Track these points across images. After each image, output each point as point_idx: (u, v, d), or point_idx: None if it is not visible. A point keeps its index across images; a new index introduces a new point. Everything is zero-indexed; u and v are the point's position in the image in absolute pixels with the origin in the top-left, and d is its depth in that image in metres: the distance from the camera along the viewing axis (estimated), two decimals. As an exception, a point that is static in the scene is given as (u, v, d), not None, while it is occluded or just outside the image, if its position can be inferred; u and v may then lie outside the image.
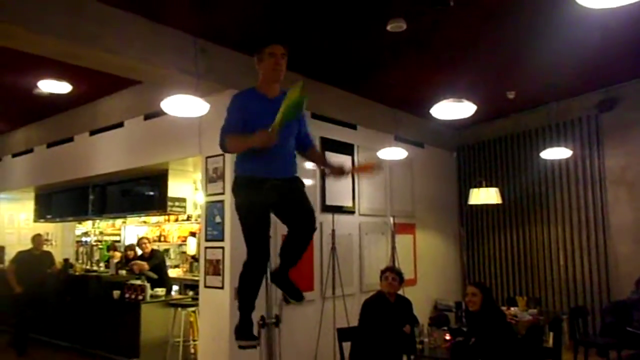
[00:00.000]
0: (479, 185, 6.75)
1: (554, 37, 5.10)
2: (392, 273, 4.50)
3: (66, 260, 8.46)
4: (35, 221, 9.87)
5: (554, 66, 5.94)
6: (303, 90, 2.35)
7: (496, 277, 8.36)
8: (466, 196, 7.35)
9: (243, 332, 2.61)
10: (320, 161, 3.21)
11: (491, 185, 6.97)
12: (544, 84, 6.56)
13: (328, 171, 2.93)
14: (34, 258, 7.40)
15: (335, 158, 6.52)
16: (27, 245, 7.75)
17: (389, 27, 4.64)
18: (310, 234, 2.71)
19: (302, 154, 2.91)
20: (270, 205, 2.62)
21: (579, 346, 5.43)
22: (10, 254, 8.46)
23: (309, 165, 6.11)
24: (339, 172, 2.87)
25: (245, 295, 2.66)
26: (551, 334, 5.20)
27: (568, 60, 5.76)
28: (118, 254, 8.57)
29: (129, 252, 7.83)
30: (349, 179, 6.75)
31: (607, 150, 7.20)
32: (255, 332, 2.62)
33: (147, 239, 7.99)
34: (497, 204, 7.22)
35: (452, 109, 4.52)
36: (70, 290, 7.48)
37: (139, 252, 7.71)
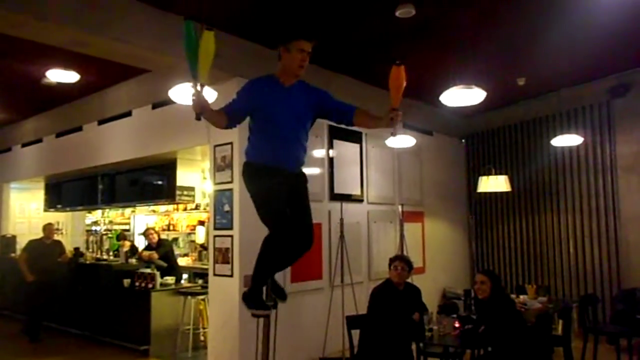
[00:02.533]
0: (488, 173, 6.69)
1: (564, 22, 5.02)
2: (401, 262, 4.46)
3: (76, 249, 8.54)
4: (45, 210, 9.96)
5: (564, 51, 5.85)
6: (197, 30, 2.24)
7: (505, 265, 8.33)
8: (475, 184, 7.31)
9: (257, 302, 2.61)
10: (371, 121, 2.65)
11: (500, 173, 6.91)
12: (554, 70, 6.47)
13: (389, 127, 2.45)
14: (45, 247, 7.47)
15: (343, 147, 6.52)
16: (38, 234, 7.82)
17: (397, 13, 4.59)
18: (306, 248, 2.65)
19: (349, 124, 2.67)
20: (283, 190, 2.59)
21: (589, 334, 5.40)
22: (21, 243, 8.55)
23: (318, 154, 6.10)
24: (395, 118, 2.40)
25: (266, 267, 2.63)
26: (560, 321, 5.18)
27: (579, 45, 5.67)
28: (128, 243, 8.63)
29: (135, 244, 7.88)
30: (358, 167, 6.74)
31: (618, 136, 7.12)
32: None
33: (153, 229, 8.03)
34: (507, 192, 7.17)
35: (462, 96, 4.46)
36: (80, 278, 7.55)
37: (145, 242, 7.76)
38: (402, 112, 2.41)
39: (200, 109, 2.28)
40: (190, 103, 2.27)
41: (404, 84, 2.39)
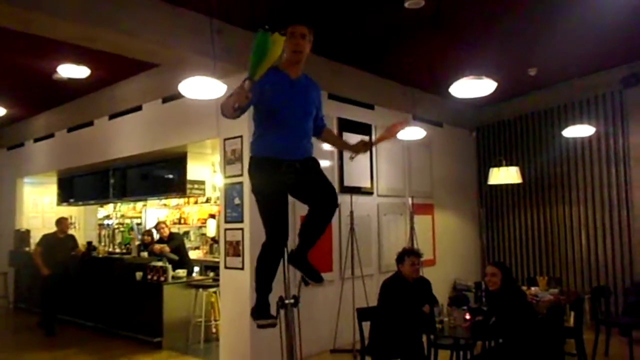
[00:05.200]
0: (499, 165, 6.65)
1: (576, 12, 4.96)
2: (416, 257, 4.41)
3: (89, 243, 8.63)
4: (58, 205, 10.06)
5: (576, 41, 5.78)
6: (265, 31, 2.22)
7: (516, 257, 8.30)
8: (485, 176, 7.27)
9: (261, 312, 2.62)
10: (338, 142, 3.18)
11: (511, 165, 6.86)
12: (566, 60, 6.40)
13: (351, 152, 2.87)
14: (59, 241, 7.54)
15: (353, 139, 6.49)
16: (51, 228, 7.90)
17: (406, 4, 4.56)
18: (332, 211, 2.67)
19: (317, 135, 2.86)
20: (288, 186, 2.60)
21: (601, 326, 5.37)
22: (35, 237, 8.66)
23: (327, 146, 6.10)
24: (363, 146, 2.81)
25: (263, 276, 2.65)
26: (572, 313, 5.15)
27: (591, 35, 5.60)
28: (148, 238, 8.67)
29: (145, 237, 7.94)
30: (368, 159, 6.73)
31: (631, 127, 7.03)
32: (273, 312, 2.63)
33: (164, 222, 8.10)
34: (518, 184, 7.13)
35: (472, 87, 4.42)
36: (93, 272, 7.64)
37: (157, 236, 7.82)
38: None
39: (242, 102, 2.29)
40: (236, 94, 2.27)
41: (395, 136, 2.89)
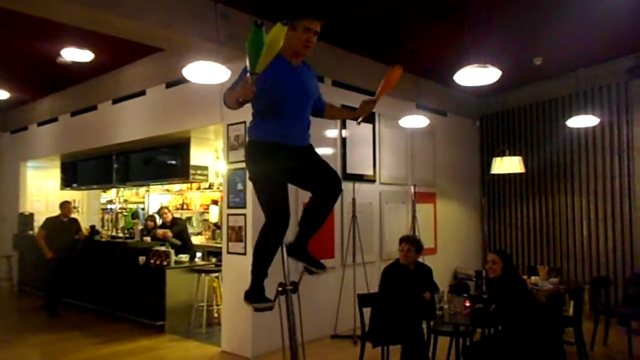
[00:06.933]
0: (502, 154, 6.65)
1: (582, 1, 4.92)
2: (407, 244, 4.45)
3: (92, 227, 8.68)
4: (61, 189, 10.11)
5: (582, 31, 5.74)
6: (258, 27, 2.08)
7: (517, 247, 8.32)
8: (488, 165, 7.26)
9: (256, 296, 2.61)
10: (343, 113, 3.24)
11: (514, 154, 6.85)
12: (572, 50, 6.36)
13: (357, 117, 2.83)
14: (62, 225, 7.59)
15: (356, 127, 6.46)
16: (55, 212, 7.96)
17: (412, -9, 4.53)
18: (336, 195, 2.65)
19: (320, 115, 2.85)
20: (288, 171, 2.57)
21: (600, 315, 5.41)
22: (38, 221, 8.71)
23: (331, 134, 6.10)
24: (367, 106, 2.77)
25: (260, 261, 2.62)
26: (572, 302, 5.18)
27: (597, 24, 5.56)
28: (151, 224, 8.71)
29: (149, 222, 7.99)
30: (371, 147, 6.73)
31: (636, 118, 7.01)
32: (268, 297, 2.60)
33: (167, 208, 8.14)
34: (520, 173, 7.12)
35: (476, 75, 4.41)
36: (97, 256, 7.69)
37: (160, 221, 7.86)
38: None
39: (248, 96, 2.26)
40: (240, 88, 2.24)
41: (395, 85, 2.75)
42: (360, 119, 2.83)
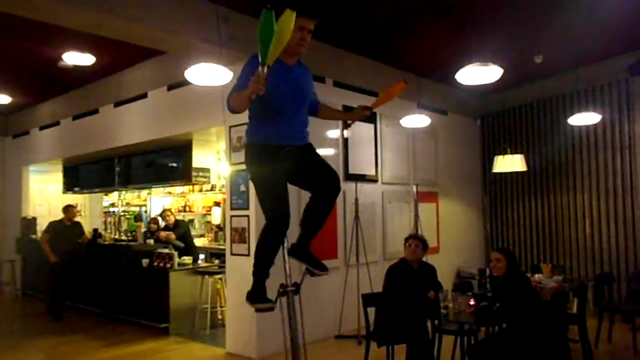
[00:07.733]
0: (504, 153, 6.64)
1: (584, -2, 4.93)
2: (415, 240, 4.51)
3: (95, 230, 8.69)
4: (64, 192, 10.12)
5: (583, 29, 5.75)
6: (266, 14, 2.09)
7: (520, 245, 8.32)
8: (490, 164, 7.26)
9: (257, 296, 2.62)
10: (337, 114, 3.26)
11: (516, 152, 6.85)
12: (572, 48, 6.36)
13: (350, 120, 2.88)
14: (66, 228, 7.60)
15: (357, 127, 6.50)
16: (57, 216, 7.96)
17: (412, -9, 4.53)
18: (335, 194, 2.65)
19: (313, 115, 2.83)
20: (288, 172, 2.57)
21: (604, 312, 5.41)
22: (41, 225, 8.73)
23: (332, 134, 6.11)
24: (363, 111, 2.73)
25: (261, 261, 2.63)
26: (575, 300, 5.18)
27: (598, 22, 5.56)
28: (154, 226, 8.73)
29: (151, 225, 8.00)
30: (372, 147, 6.74)
31: (637, 115, 7.00)
32: (269, 297, 2.61)
33: (170, 210, 8.15)
34: (522, 172, 7.12)
35: (478, 74, 4.41)
36: (100, 259, 7.70)
37: (162, 224, 7.87)
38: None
39: (260, 91, 2.20)
40: (254, 84, 2.18)
41: (393, 98, 2.79)
42: (351, 123, 2.86)
